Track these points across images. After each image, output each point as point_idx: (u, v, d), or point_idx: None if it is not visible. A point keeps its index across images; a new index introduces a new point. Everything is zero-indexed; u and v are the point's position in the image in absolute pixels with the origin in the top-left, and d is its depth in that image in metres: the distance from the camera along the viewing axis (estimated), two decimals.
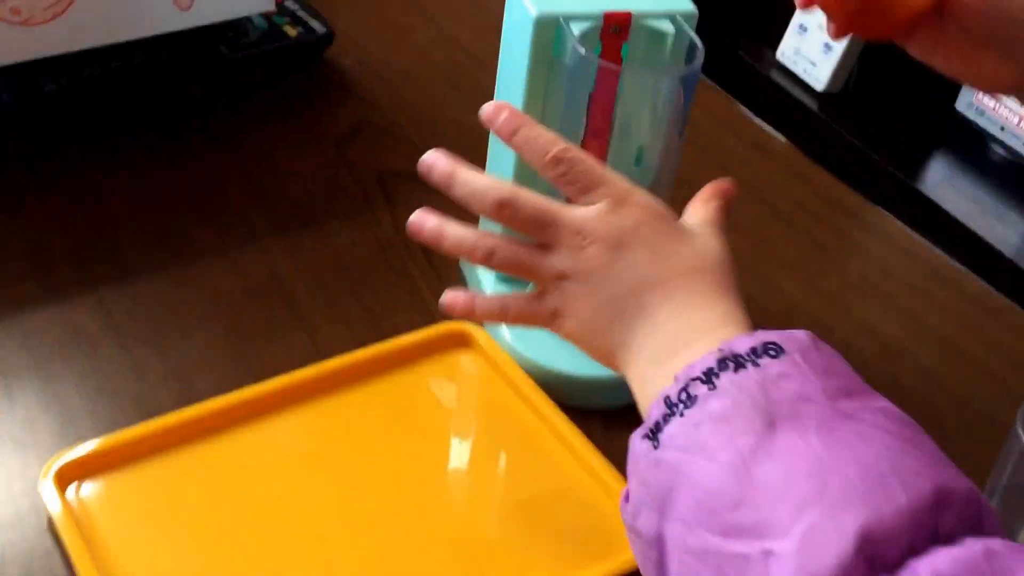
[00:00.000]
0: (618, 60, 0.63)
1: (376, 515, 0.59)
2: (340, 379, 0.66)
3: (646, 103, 0.63)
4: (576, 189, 0.53)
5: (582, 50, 0.60)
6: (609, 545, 0.58)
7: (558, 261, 0.52)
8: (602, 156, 0.63)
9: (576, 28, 0.62)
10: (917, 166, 1.25)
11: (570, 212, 0.52)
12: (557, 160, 0.53)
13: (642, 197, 0.52)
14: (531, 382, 0.66)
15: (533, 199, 0.53)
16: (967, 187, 1.21)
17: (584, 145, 0.63)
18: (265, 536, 0.57)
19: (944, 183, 1.22)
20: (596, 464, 0.62)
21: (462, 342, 0.69)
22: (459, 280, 0.76)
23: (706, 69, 0.65)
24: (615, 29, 0.62)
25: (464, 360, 0.68)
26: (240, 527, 0.58)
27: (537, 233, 0.53)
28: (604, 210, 0.52)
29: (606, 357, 0.52)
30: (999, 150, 1.23)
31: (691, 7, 0.64)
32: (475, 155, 0.87)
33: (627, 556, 0.56)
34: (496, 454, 0.64)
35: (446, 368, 0.67)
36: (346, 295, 0.73)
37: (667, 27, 0.63)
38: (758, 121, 0.98)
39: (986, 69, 0.54)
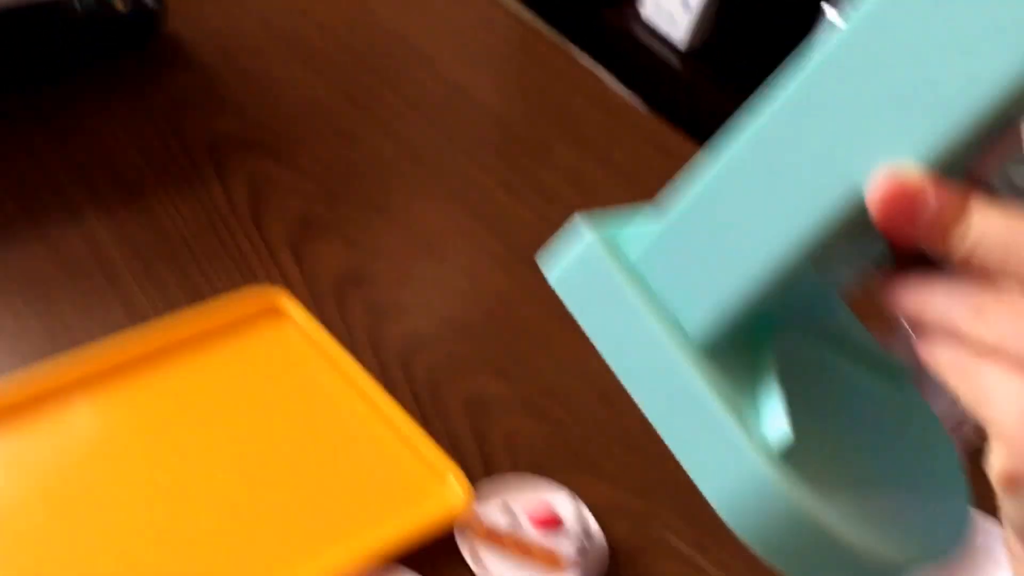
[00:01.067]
0: None
1: (187, 480, 0.59)
2: (152, 348, 0.64)
3: None
4: None
5: None
6: (413, 503, 0.59)
7: None
8: None
9: None
10: None
11: None
12: None
13: None
14: (342, 351, 0.66)
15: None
16: None
17: None
18: (71, 507, 0.56)
19: None
20: (403, 425, 0.62)
21: (274, 309, 0.68)
22: (293, 257, 0.74)
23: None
24: None
25: (276, 329, 0.67)
26: (47, 497, 0.56)
27: None
28: None
29: None
30: None
31: None
32: (317, 121, 0.86)
33: (428, 512, 0.58)
34: (307, 419, 0.64)
35: (258, 337, 0.67)
36: (168, 267, 0.72)
37: None
38: (621, 90, 0.98)
39: None
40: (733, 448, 0.33)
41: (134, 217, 0.75)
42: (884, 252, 0.33)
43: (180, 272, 0.71)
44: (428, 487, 0.60)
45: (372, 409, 0.64)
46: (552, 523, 0.57)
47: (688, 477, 0.60)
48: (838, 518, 0.33)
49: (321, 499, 0.59)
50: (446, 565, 0.56)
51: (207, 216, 0.76)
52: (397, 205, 0.79)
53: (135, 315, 0.68)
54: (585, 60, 0.99)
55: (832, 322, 0.39)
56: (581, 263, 0.36)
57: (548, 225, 0.78)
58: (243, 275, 0.72)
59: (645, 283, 0.35)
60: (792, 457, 0.33)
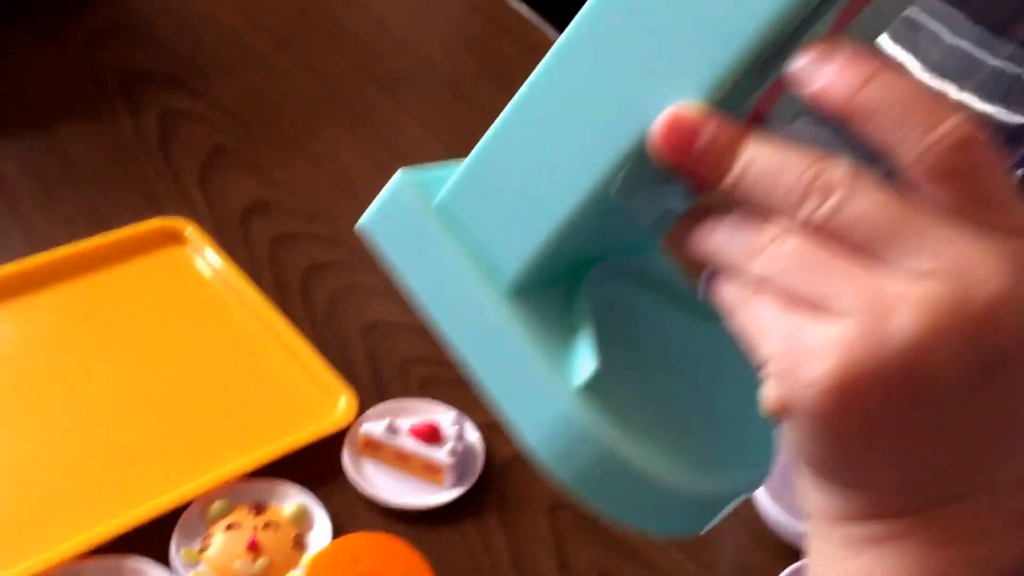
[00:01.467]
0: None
1: (89, 395, 0.60)
2: (55, 272, 0.65)
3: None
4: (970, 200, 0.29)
5: None
6: (304, 422, 0.59)
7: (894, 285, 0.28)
8: None
9: None
10: None
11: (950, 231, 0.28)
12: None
13: None
14: (243, 278, 0.66)
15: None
16: None
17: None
18: None
19: None
20: (300, 349, 0.63)
21: (176, 238, 0.68)
22: (200, 188, 0.74)
23: None
24: None
25: (179, 256, 0.68)
26: None
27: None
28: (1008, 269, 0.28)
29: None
30: None
31: None
32: (235, 56, 0.86)
33: (317, 430, 0.59)
34: (205, 341, 0.64)
35: (161, 263, 0.67)
36: (73, 197, 0.71)
37: None
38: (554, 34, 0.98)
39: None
40: (541, 387, 0.33)
41: (40, 146, 0.75)
42: (688, 196, 0.33)
43: (85, 203, 0.71)
44: (320, 407, 0.60)
45: (271, 333, 0.64)
46: (431, 436, 0.58)
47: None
48: (646, 454, 0.33)
49: (218, 415, 0.60)
50: (330, 477, 0.57)
51: (114, 147, 0.75)
52: (313, 141, 0.79)
53: (34, 240, 0.67)
54: (524, 10, 0.99)
55: (651, 267, 0.39)
56: (390, 207, 0.36)
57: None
58: (149, 205, 0.71)
59: (458, 227, 0.35)
60: (600, 395, 0.33)
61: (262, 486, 0.56)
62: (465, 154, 0.48)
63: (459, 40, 0.92)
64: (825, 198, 0.29)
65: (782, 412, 0.29)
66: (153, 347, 0.63)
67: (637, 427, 0.34)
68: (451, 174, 0.36)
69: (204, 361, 0.63)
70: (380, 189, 0.75)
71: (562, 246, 0.34)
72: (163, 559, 0.52)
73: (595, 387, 0.33)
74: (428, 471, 0.58)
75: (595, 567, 0.57)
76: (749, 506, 0.58)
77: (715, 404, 0.38)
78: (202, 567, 0.52)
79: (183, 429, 0.59)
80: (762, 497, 0.57)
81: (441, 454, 0.58)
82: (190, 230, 0.68)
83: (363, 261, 0.70)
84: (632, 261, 0.38)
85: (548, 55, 0.33)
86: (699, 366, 0.39)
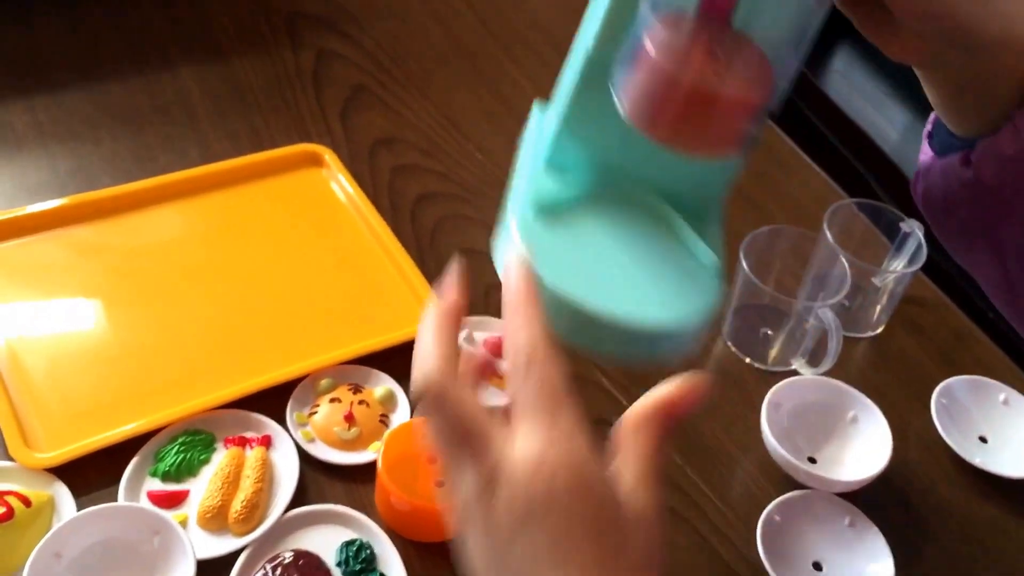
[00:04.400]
0: None
1: (231, 277, 0.75)
2: (216, 180, 0.80)
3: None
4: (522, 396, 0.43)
5: None
6: (395, 322, 0.73)
7: (466, 484, 0.41)
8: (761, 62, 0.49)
9: None
10: (816, 58, 1.35)
11: (501, 438, 0.42)
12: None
13: (579, 454, 0.41)
14: (366, 199, 0.80)
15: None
16: (861, 80, 1.31)
17: (730, 38, 0.48)
18: (143, 298, 0.73)
19: (839, 75, 1.32)
20: (404, 263, 0.77)
21: (317, 161, 0.83)
22: (338, 116, 0.88)
23: None
24: None
25: (317, 176, 0.83)
26: (123, 291, 0.73)
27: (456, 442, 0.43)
28: (531, 457, 0.40)
29: None
30: None
31: None
32: (380, 4, 0.99)
33: (408, 332, 0.72)
34: (328, 249, 0.78)
35: (303, 181, 0.82)
36: (239, 116, 0.87)
37: None
38: None
39: (898, 40, 0.49)
40: (508, 234, 0.51)
41: (217, 72, 0.90)
42: None
43: (248, 123, 0.86)
44: (414, 313, 0.74)
45: (383, 248, 0.78)
46: (501, 349, 0.71)
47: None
48: (595, 298, 0.48)
49: (333, 310, 0.74)
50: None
51: (276, 77, 0.90)
52: (435, 85, 0.92)
53: (207, 152, 0.83)
54: None
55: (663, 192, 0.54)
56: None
57: None
58: (299, 130, 0.86)
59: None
60: (571, 271, 0.48)
61: (361, 371, 0.70)
62: None
63: (573, 5, 1.03)
64: None
65: None
66: (288, 249, 0.78)
67: (589, 280, 0.49)
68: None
69: (327, 265, 0.77)
70: (486, 132, 0.95)
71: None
72: (280, 419, 0.67)
73: (572, 263, 0.49)
74: (495, 377, 0.71)
75: None
76: (760, 445, 0.70)
77: (662, 272, 0.52)
78: (309, 428, 0.67)
79: (304, 318, 0.73)
80: (768, 436, 0.69)
81: (506, 365, 0.71)
82: (328, 156, 0.83)
83: (466, 195, 0.84)
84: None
85: None
86: (653, 248, 0.53)
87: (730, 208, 0.86)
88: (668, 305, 0.50)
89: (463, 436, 0.42)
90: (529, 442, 0.41)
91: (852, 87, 1.31)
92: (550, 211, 0.53)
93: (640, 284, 0.51)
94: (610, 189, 0.55)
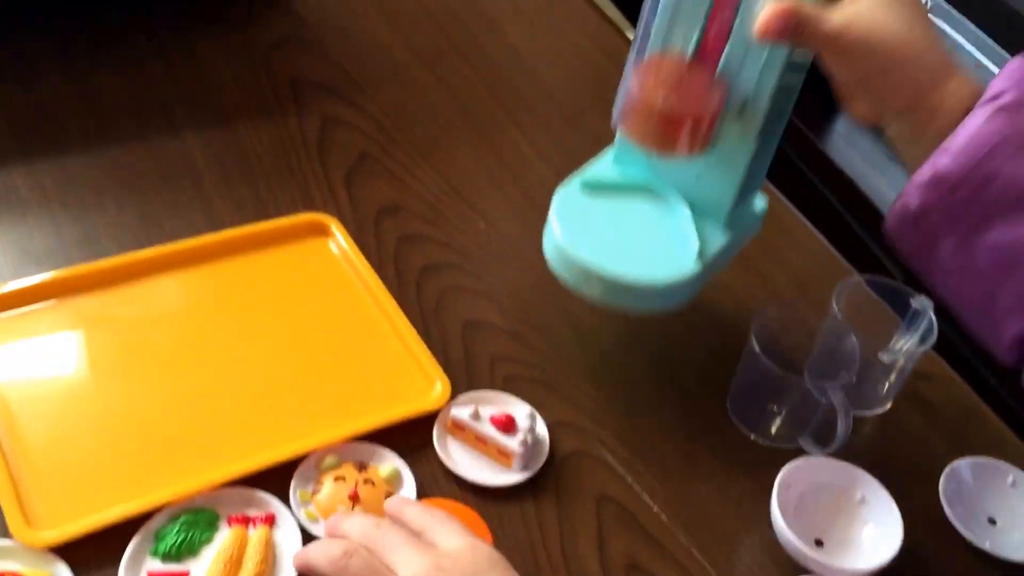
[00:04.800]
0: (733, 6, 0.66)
1: (232, 349, 0.74)
2: (222, 249, 0.80)
3: (755, 49, 0.66)
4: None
5: None
6: (405, 399, 0.73)
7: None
8: (714, 92, 0.69)
9: None
10: (823, 123, 1.36)
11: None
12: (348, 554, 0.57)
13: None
14: (370, 269, 0.80)
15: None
16: (866, 145, 1.31)
17: (695, 74, 0.69)
18: (147, 370, 0.72)
19: (843, 140, 1.33)
20: (409, 336, 0.76)
21: (322, 230, 0.83)
22: (343, 184, 0.88)
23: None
24: None
25: (322, 245, 0.82)
26: (126, 362, 0.72)
27: None
28: None
29: None
30: None
31: None
32: (387, 72, 0.99)
33: (415, 407, 0.72)
34: (333, 320, 0.78)
35: (307, 250, 0.82)
36: (245, 183, 0.86)
37: None
38: None
39: (856, 107, 0.64)
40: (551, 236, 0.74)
41: (222, 136, 0.90)
42: None
43: (254, 190, 0.86)
44: (420, 389, 0.74)
45: (388, 320, 0.77)
46: (508, 426, 0.70)
47: (631, 409, 0.74)
48: (599, 260, 0.71)
49: (337, 384, 0.74)
50: (420, 448, 0.70)
51: (281, 143, 0.90)
52: (441, 153, 0.92)
53: (213, 220, 0.83)
54: None
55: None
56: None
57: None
58: (303, 196, 0.86)
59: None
60: (580, 226, 0.73)
61: (366, 448, 0.69)
62: (567, 177, 0.79)
63: (580, 73, 1.04)
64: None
65: None
66: (293, 321, 0.77)
67: (610, 253, 0.72)
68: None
69: (332, 338, 0.77)
70: (490, 201, 0.98)
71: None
72: (284, 496, 0.66)
73: (585, 236, 0.73)
74: (501, 455, 0.71)
75: (626, 555, 0.68)
76: (767, 527, 0.69)
77: (658, 239, 0.74)
78: (312, 507, 0.67)
79: (309, 392, 0.73)
80: (778, 520, 0.68)
81: (514, 443, 0.70)
82: (334, 226, 0.82)
83: (469, 265, 0.83)
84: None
85: None
86: (657, 230, 0.74)
87: (742, 281, 0.87)
88: (650, 270, 0.71)
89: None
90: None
91: (854, 150, 1.32)
92: (593, 188, 0.76)
93: (635, 252, 0.72)
94: (647, 184, 0.77)
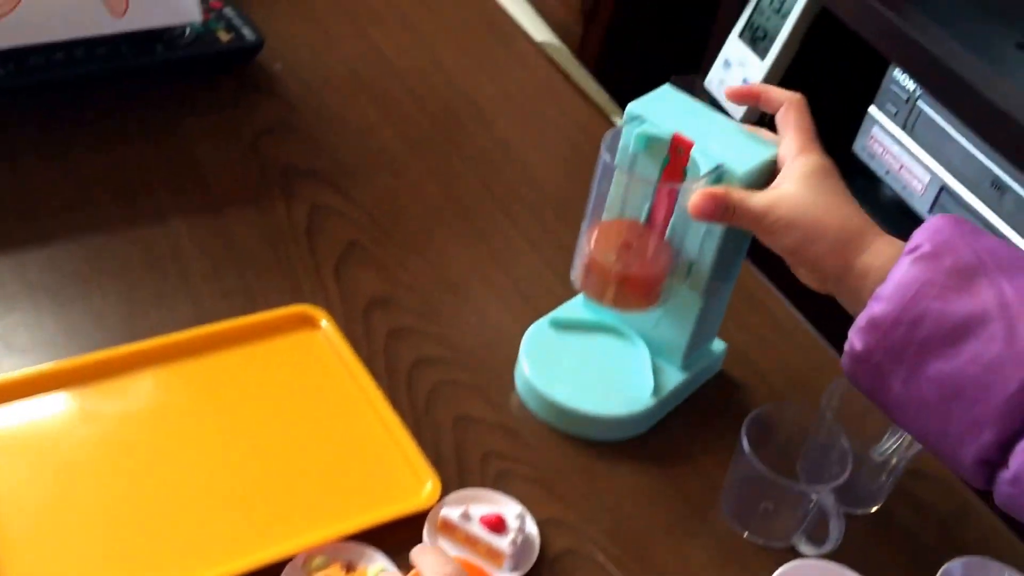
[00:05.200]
0: (679, 177, 0.74)
1: (219, 447, 0.73)
2: (208, 343, 0.79)
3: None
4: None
5: (607, 157, 0.74)
6: (395, 498, 0.72)
7: None
8: (662, 255, 0.76)
9: (642, 135, 0.73)
10: None
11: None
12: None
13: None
14: (360, 364, 0.79)
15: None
16: None
17: (644, 239, 0.77)
18: (131, 468, 0.71)
19: None
20: (399, 434, 0.75)
21: (311, 323, 0.82)
22: (332, 274, 0.88)
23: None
24: (679, 150, 0.73)
25: (310, 338, 0.81)
26: (109, 459, 0.71)
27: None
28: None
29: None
30: (886, 191, 1.34)
31: (771, 154, 0.73)
32: (377, 160, 0.99)
33: (405, 506, 0.70)
34: (322, 416, 0.77)
35: (295, 343, 0.81)
36: (233, 273, 0.86)
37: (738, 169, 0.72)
38: None
39: (802, 275, 0.73)
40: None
41: (210, 224, 0.89)
42: None
43: (242, 280, 0.85)
44: (410, 488, 0.72)
45: (378, 416, 0.76)
46: (497, 526, 0.69)
47: (622, 506, 0.73)
48: (561, 394, 0.79)
49: (326, 483, 0.72)
50: (410, 548, 0.68)
51: (270, 231, 0.90)
52: (432, 245, 0.92)
53: (199, 310, 0.82)
54: None
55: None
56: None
57: (557, 279, 0.90)
58: (292, 287, 0.85)
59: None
60: (547, 361, 0.81)
61: (354, 548, 0.68)
62: (558, 269, 0.76)
63: (569, 162, 1.04)
64: None
65: None
66: (279, 415, 0.76)
67: (572, 388, 0.79)
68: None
69: (320, 434, 0.75)
70: (481, 294, 0.99)
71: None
72: None
73: (550, 371, 0.80)
74: (491, 555, 0.70)
75: None
76: None
77: (616, 377, 0.81)
78: None
79: (296, 490, 0.71)
80: None
81: (503, 543, 0.69)
82: (324, 319, 0.82)
83: (461, 359, 0.83)
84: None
85: None
86: (612, 361, 0.82)
87: (737, 378, 0.86)
88: (608, 404, 0.79)
89: None
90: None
91: None
92: (561, 326, 0.83)
93: (595, 387, 0.80)
94: (611, 324, 0.84)
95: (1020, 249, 0.67)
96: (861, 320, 0.65)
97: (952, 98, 1.16)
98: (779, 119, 0.74)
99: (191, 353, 0.78)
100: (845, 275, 0.68)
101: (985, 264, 0.63)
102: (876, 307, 0.65)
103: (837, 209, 0.69)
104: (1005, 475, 0.62)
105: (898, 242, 0.68)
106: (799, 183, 0.69)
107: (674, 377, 0.82)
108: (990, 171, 1.18)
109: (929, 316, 0.63)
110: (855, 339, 0.66)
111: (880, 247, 0.68)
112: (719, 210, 0.70)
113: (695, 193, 0.70)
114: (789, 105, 0.74)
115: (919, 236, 0.66)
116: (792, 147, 0.72)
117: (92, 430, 0.72)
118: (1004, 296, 0.62)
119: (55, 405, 0.73)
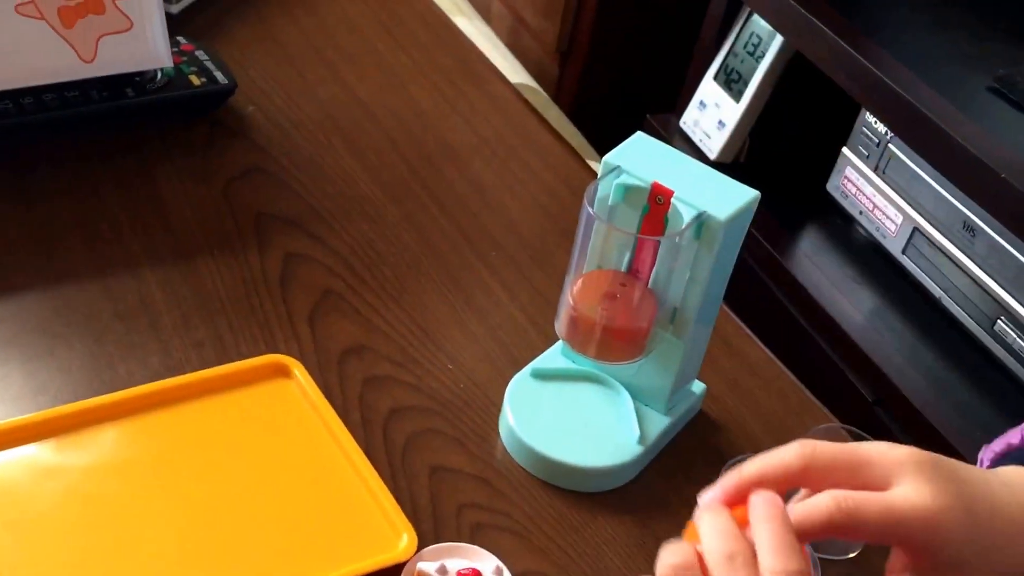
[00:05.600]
0: (659, 225, 0.73)
1: (188, 504, 0.71)
2: (178, 395, 0.77)
3: (680, 266, 0.74)
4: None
5: (590, 210, 0.72)
6: (370, 552, 0.70)
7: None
8: (646, 304, 0.75)
9: (621, 185, 0.73)
10: (787, 240, 1.37)
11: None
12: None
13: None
14: (334, 415, 0.78)
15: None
16: (829, 264, 1.33)
17: (628, 289, 0.75)
18: (96, 522, 0.69)
19: (807, 259, 1.34)
20: (375, 486, 0.74)
21: (284, 372, 0.80)
22: (306, 322, 0.86)
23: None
24: (659, 199, 0.73)
25: (284, 389, 0.80)
26: (76, 515, 0.69)
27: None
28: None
29: None
30: (860, 231, 1.35)
31: (750, 198, 0.73)
32: (352, 206, 0.98)
33: (380, 561, 0.69)
34: (295, 467, 0.75)
35: (268, 393, 0.79)
36: (204, 322, 0.84)
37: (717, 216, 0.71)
38: None
39: None
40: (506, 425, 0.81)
41: (181, 273, 0.88)
42: None
43: (213, 330, 0.84)
44: (386, 541, 0.71)
45: (353, 468, 0.75)
46: None
47: (602, 557, 0.72)
48: (548, 447, 0.78)
49: (300, 534, 0.71)
50: None
51: (243, 280, 0.88)
52: (408, 293, 0.90)
53: (171, 362, 0.80)
54: None
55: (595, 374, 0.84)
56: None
57: (534, 328, 0.89)
58: (264, 335, 0.84)
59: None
60: (531, 413, 0.80)
61: None
62: (534, 316, 0.75)
63: (545, 207, 1.03)
64: None
65: None
66: (252, 468, 0.74)
67: (559, 440, 0.78)
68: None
69: (293, 486, 0.74)
70: (458, 343, 0.97)
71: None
72: None
73: (536, 423, 0.79)
74: None
75: None
76: None
77: (602, 426, 0.80)
78: None
79: (269, 544, 0.70)
80: None
81: None
82: (297, 370, 0.80)
83: (438, 408, 0.82)
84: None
85: None
86: (596, 410, 0.82)
87: (714, 427, 0.86)
88: (595, 455, 0.78)
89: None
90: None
91: (820, 271, 1.33)
92: (542, 376, 0.82)
93: (581, 438, 0.79)
94: (594, 373, 0.83)
95: None
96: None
97: (923, 141, 1.17)
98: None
99: (161, 405, 0.76)
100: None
101: None
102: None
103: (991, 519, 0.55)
104: None
105: None
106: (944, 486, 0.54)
107: (658, 423, 0.81)
108: (961, 213, 1.19)
109: None
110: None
111: None
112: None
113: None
114: (802, 473, 0.54)
115: None
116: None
117: (59, 484, 0.70)
118: None
119: (22, 459, 0.71)
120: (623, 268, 0.76)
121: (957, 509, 0.52)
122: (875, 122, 1.29)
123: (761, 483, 0.53)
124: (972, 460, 0.95)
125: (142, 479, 0.72)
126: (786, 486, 0.53)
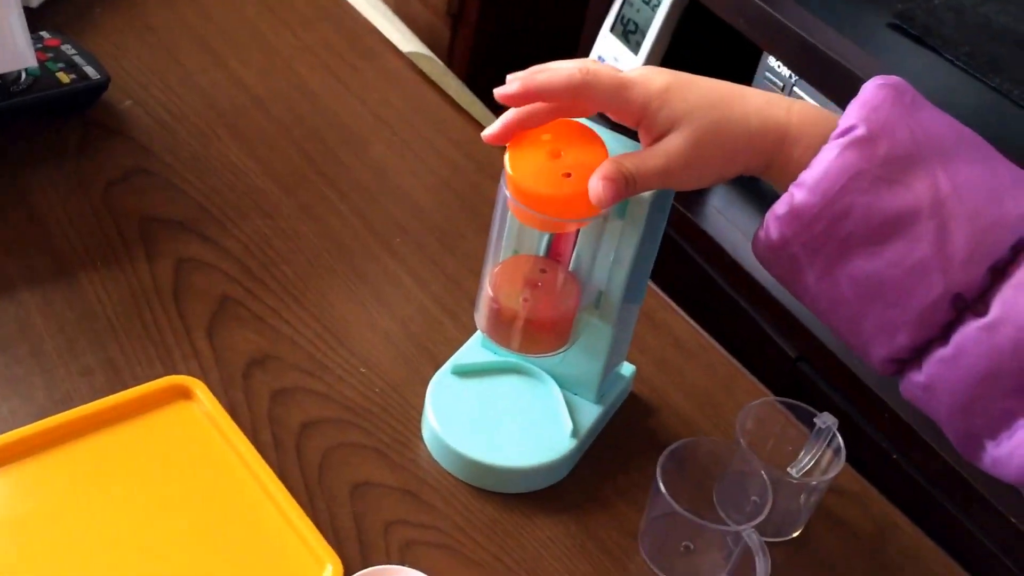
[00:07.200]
0: None
1: (89, 545, 0.66)
2: (68, 432, 0.71)
3: (603, 248, 0.70)
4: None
5: (507, 192, 0.66)
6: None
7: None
8: (569, 290, 0.72)
9: None
10: (696, 196, 1.34)
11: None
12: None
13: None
14: (242, 436, 0.72)
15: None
16: (741, 218, 1.31)
17: (549, 275, 0.72)
18: None
19: (719, 214, 1.31)
20: (291, 512, 0.69)
21: (185, 394, 0.75)
22: (205, 336, 0.80)
23: None
24: None
25: (185, 412, 0.74)
26: None
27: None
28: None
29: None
30: None
31: None
32: (244, 202, 0.92)
33: None
34: (204, 497, 0.70)
35: (169, 418, 0.73)
36: (92, 346, 0.78)
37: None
38: None
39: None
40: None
41: (62, 293, 0.81)
42: None
43: (103, 353, 0.77)
44: (306, 571, 0.66)
45: (266, 493, 0.70)
46: None
47: (540, 562, 0.68)
48: (476, 449, 0.74)
49: (210, 568, 0.66)
50: None
51: (132, 294, 0.82)
52: (312, 293, 0.85)
53: (58, 394, 0.74)
54: None
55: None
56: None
57: (450, 318, 0.85)
58: (160, 354, 0.78)
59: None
60: (455, 414, 0.75)
61: None
62: (448, 306, 0.81)
63: (450, 186, 0.98)
64: None
65: None
66: (157, 502, 0.69)
67: (488, 441, 0.74)
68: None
69: (204, 518, 0.69)
70: (370, 343, 0.90)
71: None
72: None
73: (460, 424, 0.75)
74: None
75: None
76: None
77: (531, 421, 0.76)
78: None
79: None
80: None
81: None
82: (199, 390, 0.74)
83: (354, 418, 0.77)
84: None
85: None
86: (523, 405, 0.77)
87: (646, 410, 0.82)
88: (527, 454, 0.74)
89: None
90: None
91: (733, 225, 1.31)
92: (464, 372, 0.78)
93: (511, 437, 0.75)
94: (518, 364, 0.79)
95: (957, 123, 0.61)
96: (780, 208, 0.60)
97: (826, 81, 1.15)
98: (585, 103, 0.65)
99: (51, 445, 0.70)
100: (767, 170, 0.63)
101: (922, 149, 0.58)
102: (798, 195, 0.60)
103: (741, 120, 0.62)
104: (917, 378, 0.60)
105: (825, 113, 0.62)
106: (685, 113, 0.62)
107: (590, 412, 0.77)
108: None
109: (855, 211, 0.58)
110: (772, 227, 0.61)
111: (806, 114, 0.62)
112: (622, 188, 0.62)
113: (590, 185, 0.62)
114: (582, 88, 0.62)
115: (853, 115, 0.59)
116: (635, 107, 0.63)
117: None
118: (939, 190, 0.57)
119: None
120: (542, 253, 0.72)
121: (683, 90, 0.62)
122: (778, 66, 1.27)
123: (546, 90, 0.62)
124: (900, 408, 0.94)
125: (36, 531, 0.66)
126: (566, 97, 0.63)
